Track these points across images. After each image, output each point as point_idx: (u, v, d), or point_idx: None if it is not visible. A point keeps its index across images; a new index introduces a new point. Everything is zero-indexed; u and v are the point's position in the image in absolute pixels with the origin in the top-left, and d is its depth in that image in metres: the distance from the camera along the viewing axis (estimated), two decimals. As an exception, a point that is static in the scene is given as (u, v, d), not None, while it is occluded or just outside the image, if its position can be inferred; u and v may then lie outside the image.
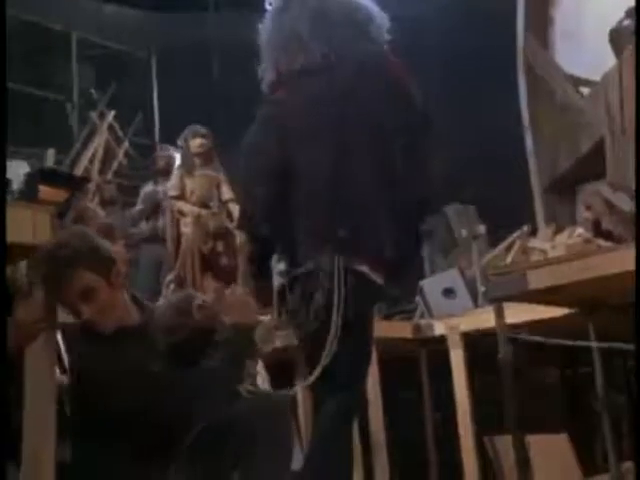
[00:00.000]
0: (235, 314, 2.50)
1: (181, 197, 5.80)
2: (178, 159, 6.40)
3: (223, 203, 5.88)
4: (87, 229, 2.54)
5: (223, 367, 2.37)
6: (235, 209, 5.77)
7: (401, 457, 4.38)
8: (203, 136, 5.95)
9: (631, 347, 3.01)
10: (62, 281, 2.19)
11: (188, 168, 5.90)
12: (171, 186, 5.91)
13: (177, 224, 5.84)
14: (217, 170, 6.03)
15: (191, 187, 5.83)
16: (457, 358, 4.10)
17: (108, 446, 2.26)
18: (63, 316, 2.31)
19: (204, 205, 5.83)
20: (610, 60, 5.34)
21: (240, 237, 5.57)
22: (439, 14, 7.33)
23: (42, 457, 2.01)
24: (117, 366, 2.25)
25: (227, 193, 5.92)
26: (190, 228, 5.63)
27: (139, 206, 6.77)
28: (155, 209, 6.57)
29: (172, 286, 5.39)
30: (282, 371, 3.65)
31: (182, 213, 5.77)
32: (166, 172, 6.70)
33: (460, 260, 5.13)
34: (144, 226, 6.67)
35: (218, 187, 5.96)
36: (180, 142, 6.06)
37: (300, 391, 3.99)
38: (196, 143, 5.90)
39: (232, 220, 5.66)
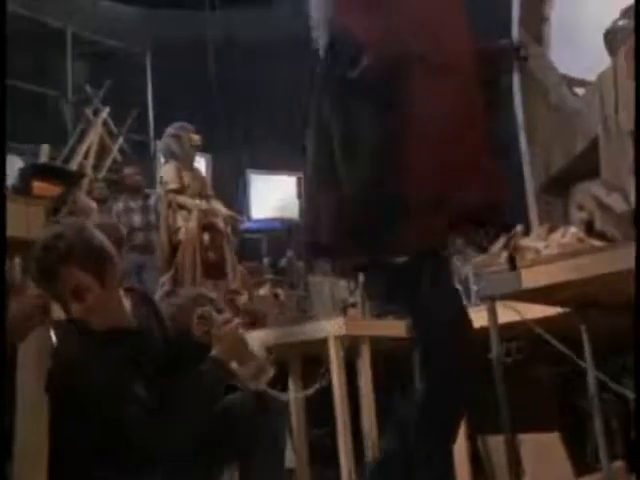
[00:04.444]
0: (222, 348, 2.29)
1: (181, 190, 5.64)
2: (162, 154, 6.30)
3: (207, 199, 5.81)
4: (87, 224, 2.36)
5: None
6: (218, 205, 5.75)
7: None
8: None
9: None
10: (54, 276, 2.14)
11: (185, 162, 5.81)
12: (169, 179, 5.69)
13: (172, 220, 5.68)
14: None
15: (187, 181, 5.74)
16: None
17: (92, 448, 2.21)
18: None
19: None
20: (605, 61, 5.33)
21: (227, 232, 5.57)
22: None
23: (35, 454, 2.00)
24: (105, 368, 2.18)
25: (209, 189, 5.92)
26: (194, 221, 5.48)
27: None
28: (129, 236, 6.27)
29: (166, 287, 5.25)
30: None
31: (182, 207, 5.57)
32: (135, 190, 6.67)
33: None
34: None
35: (203, 183, 5.95)
36: (172, 132, 5.91)
37: (291, 390, 4.00)
38: (197, 137, 5.89)
39: (216, 215, 5.58)
